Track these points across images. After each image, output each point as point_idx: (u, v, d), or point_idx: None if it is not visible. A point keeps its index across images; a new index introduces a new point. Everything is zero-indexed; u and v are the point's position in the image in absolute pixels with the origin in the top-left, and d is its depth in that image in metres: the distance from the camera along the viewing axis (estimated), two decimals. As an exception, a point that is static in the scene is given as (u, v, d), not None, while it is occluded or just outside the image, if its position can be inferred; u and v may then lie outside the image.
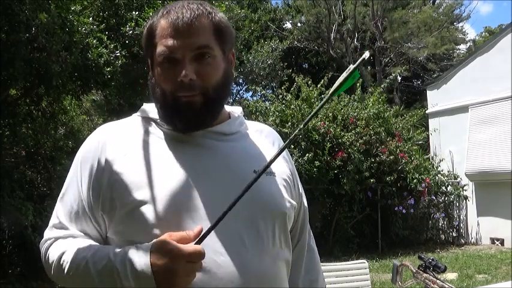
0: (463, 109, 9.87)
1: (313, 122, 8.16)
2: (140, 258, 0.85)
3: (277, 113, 8.61)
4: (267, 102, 10.33)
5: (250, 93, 17.01)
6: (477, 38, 23.40)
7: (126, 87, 6.54)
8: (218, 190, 0.96)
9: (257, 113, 9.14)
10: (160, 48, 0.96)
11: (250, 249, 0.94)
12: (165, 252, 0.84)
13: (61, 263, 0.94)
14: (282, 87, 9.35)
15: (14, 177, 5.71)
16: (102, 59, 5.50)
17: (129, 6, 6.23)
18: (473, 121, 9.65)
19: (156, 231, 0.91)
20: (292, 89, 9.19)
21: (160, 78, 0.97)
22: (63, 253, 0.94)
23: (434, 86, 10.95)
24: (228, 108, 1.11)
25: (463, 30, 22.68)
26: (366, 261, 3.44)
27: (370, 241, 8.85)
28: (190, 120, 0.96)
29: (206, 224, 0.90)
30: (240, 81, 16.44)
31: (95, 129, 1.08)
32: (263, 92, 12.22)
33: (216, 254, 0.91)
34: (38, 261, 1.11)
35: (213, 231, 0.90)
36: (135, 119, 1.07)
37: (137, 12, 6.10)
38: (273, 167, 1.02)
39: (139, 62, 5.99)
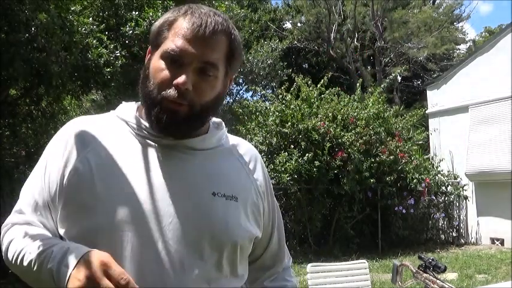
0: (463, 109, 9.88)
1: (313, 121, 8.17)
2: (67, 263, 0.82)
3: (277, 113, 8.61)
4: (267, 102, 10.33)
5: (250, 93, 17.01)
6: (477, 38, 23.43)
7: (126, 87, 6.54)
8: (167, 207, 0.92)
9: (257, 113, 9.14)
10: (170, 45, 0.92)
11: (188, 273, 0.90)
12: (87, 268, 0.79)
13: (8, 250, 0.93)
14: (282, 87, 9.35)
15: (14, 177, 5.71)
16: (102, 59, 5.50)
17: (129, 6, 6.24)
18: (473, 121, 9.65)
19: (94, 238, 0.88)
20: (292, 89, 9.19)
21: (157, 74, 0.93)
22: (11, 241, 0.94)
23: (434, 86, 10.96)
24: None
25: (463, 30, 22.73)
26: (366, 261, 3.44)
27: (370, 241, 8.85)
28: (168, 128, 0.93)
29: (144, 242, 0.88)
30: (240, 81, 16.44)
31: None
32: (263, 92, 12.23)
33: (149, 274, 0.88)
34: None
35: (153, 250, 0.88)
36: (112, 117, 1.04)
37: (137, 12, 6.11)
38: (237, 190, 0.99)
39: (139, 62, 6.00)
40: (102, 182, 0.91)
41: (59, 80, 5.18)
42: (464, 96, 9.87)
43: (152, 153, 0.96)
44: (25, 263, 0.88)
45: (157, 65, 0.94)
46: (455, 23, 21.29)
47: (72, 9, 5.38)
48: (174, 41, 0.92)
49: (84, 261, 0.80)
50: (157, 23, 0.99)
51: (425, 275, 2.13)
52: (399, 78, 19.14)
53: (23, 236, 0.92)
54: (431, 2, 21.46)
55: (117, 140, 0.97)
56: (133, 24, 5.94)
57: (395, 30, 18.72)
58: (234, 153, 1.06)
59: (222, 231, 0.95)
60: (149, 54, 0.99)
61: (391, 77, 11.97)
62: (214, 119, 1.08)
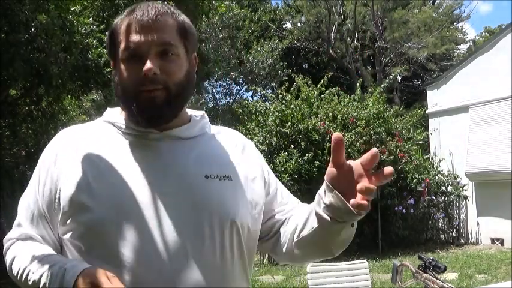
0: (463, 109, 9.87)
1: (313, 121, 8.17)
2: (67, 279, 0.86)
3: (277, 113, 8.61)
4: (267, 102, 10.33)
5: (250, 93, 17.02)
6: (477, 38, 23.39)
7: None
8: (163, 196, 0.94)
9: (257, 113, 9.14)
10: (124, 44, 0.96)
11: (192, 258, 0.91)
12: (89, 282, 0.83)
13: (12, 267, 0.98)
14: (282, 87, 9.34)
15: (14, 177, 5.72)
16: (102, 59, 5.50)
17: (129, 7, 6.23)
18: (473, 121, 9.64)
19: (95, 235, 0.91)
20: (292, 89, 9.19)
21: (124, 74, 0.96)
22: (14, 258, 0.99)
23: (434, 86, 10.95)
24: (190, 111, 1.09)
25: (463, 30, 22.71)
26: (366, 261, 3.44)
27: (370, 241, 8.84)
28: (152, 116, 0.96)
29: (145, 232, 0.90)
30: (240, 81, 16.45)
31: None
32: (263, 92, 12.23)
33: (150, 262, 0.89)
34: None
35: (154, 238, 0.90)
36: (99, 122, 1.07)
37: (137, 12, 6.10)
38: (230, 170, 1.01)
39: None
40: (97, 183, 0.94)
41: (58, 80, 5.18)
42: (464, 96, 9.86)
43: (141, 148, 0.99)
44: (30, 283, 0.92)
45: (121, 68, 0.97)
46: (455, 23, 21.28)
47: (72, 9, 5.38)
48: (126, 40, 0.96)
49: (85, 273, 0.85)
50: (107, 36, 1.03)
51: (425, 275, 2.13)
52: (399, 78, 19.14)
53: (25, 254, 0.96)
54: (431, 2, 21.46)
55: (106, 141, 1.01)
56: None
57: (395, 30, 18.72)
58: (220, 138, 1.09)
59: (220, 211, 0.96)
60: (113, 68, 1.02)
61: (391, 77, 11.96)
62: (196, 112, 1.11)
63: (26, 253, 0.97)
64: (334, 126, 8.31)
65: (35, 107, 6.24)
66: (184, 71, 0.98)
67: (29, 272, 0.93)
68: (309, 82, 9.35)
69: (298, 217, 1.04)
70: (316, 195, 0.95)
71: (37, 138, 6.70)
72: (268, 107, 9.21)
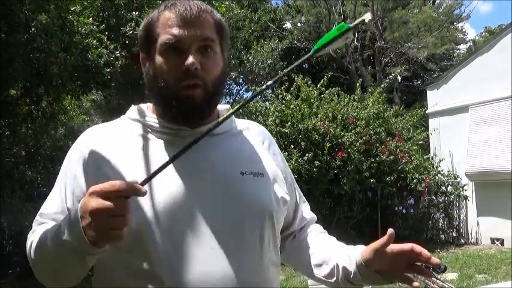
0: (463, 109, 9.87)
1: (313, 121, 8.17)
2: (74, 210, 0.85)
3: (277, 113, 8.61)
4: (267, 102, 10.33)
5: (250, 93, 17.00)
6: (477, 38, 23.39)
7: (126, 88, 6.54)
8: (200, 194, 0.94)
9: (257, 113, 9.13)
10: (165, 37, 0.96)
11: (234, 251, 0.92)
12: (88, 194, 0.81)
13: (31, 252, 0.96)
14: (282, 87, 9.34)
15: (14, 177, 5.71)
16: (102, 59, 5.50)
17: (129, 7, 6.22)
18: (473, 121, 9.65)
19: (133, 236, 0.90)
20: (292, 89, 9.19)
21: (163, 68, 0.96)
22: (31, 242, 0.97)
23: (434, 86, 10.95)
24: (217, 106, 1.10)
25: (463, 30, 22.70)
26: (365, 261, 3.43)
27: (370, 241, 8.81)
28: (192, 115, 0.97)
29: (188, 230, 0.90)
30: (240, 81, 16.43)
31: None
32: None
33: (194, 258, 0.89)
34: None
35: (195, 237, 0.89)
36: (124, 120, 1.06)
37: (137, 13, 6.09)
38: (261, 167, 1.03)
39: (139, 62, 5.99)
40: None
41: (58, 80, 5.18)
42: (464, 96, 9.86)
43: (174, 146, 0.98)
44: (45, 251, 0.91)
45: (160, 61, 0.97)
46: (455, 23, 21.27)
47: (72, 9, 5.38)
48: (167, 33, 0.95)
49: (82, 207, 0.81)
50: (142, 28, 1.02)
51: (425, 275, 2.13)
52: (399, 78, 19.13)
53: (40, 233, 0.95)
54: (431, 2, 21.45)
55: (136, 141, 1.00)
56: (133, 24, 5.93)
57: (395, 30, 18.71)
58: (247, 133, 1.10)
59: (258, 207, 0.98)
60: (145, 61, 1.02)
61: (391, 77, 11.99)
62: (221, 106, 1.11)
63: (40, 233, 0.96)
64: (334, 126, 8.31)
65: (35, 107, 6.22)
66: (220, 69, 0.99)
67: (42, 244, 0.92)
68: (309, 82, 9.35)
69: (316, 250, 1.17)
70: (344, 259, 1.12)
71: (37, 138, 6.68)
72: (268, 107, 9.21)
